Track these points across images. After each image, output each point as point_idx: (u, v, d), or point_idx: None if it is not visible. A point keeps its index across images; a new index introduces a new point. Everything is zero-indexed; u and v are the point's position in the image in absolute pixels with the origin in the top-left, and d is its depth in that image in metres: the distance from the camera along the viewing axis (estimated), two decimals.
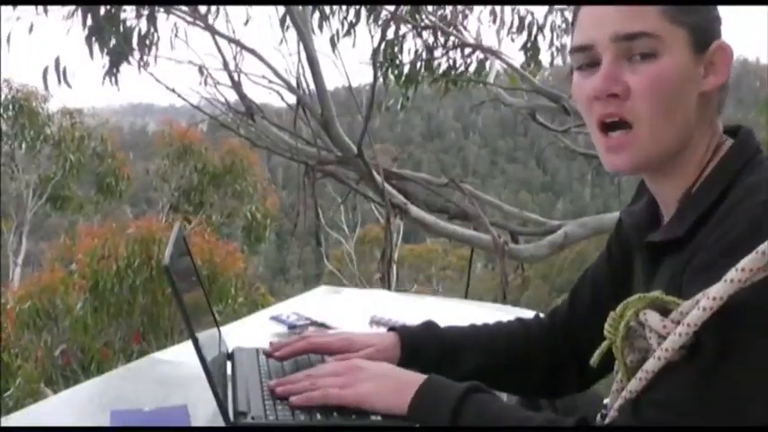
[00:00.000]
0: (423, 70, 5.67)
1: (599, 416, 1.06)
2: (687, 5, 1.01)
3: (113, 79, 5.31)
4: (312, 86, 5.06)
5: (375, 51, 5.12)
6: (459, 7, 5.78)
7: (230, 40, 5.24)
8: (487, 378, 1.15)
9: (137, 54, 5.26)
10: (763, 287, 0.85)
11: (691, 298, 0.90)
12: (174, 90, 5.37)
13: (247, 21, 5.59)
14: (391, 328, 1.32)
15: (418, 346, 1.28)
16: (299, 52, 5.01)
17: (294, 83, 5.07)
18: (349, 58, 5.28)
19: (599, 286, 1.25)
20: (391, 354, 1.26)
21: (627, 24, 0.99)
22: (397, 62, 5.63)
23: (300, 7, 5.14)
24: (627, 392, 0.95)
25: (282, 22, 5.17)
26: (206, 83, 5.37)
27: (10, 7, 5.30)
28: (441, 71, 5.73)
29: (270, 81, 5.10)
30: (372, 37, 5.39)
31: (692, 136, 1.03)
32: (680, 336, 0.88)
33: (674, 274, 0.97)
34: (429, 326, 1.32)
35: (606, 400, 1.05)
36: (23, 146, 13.85)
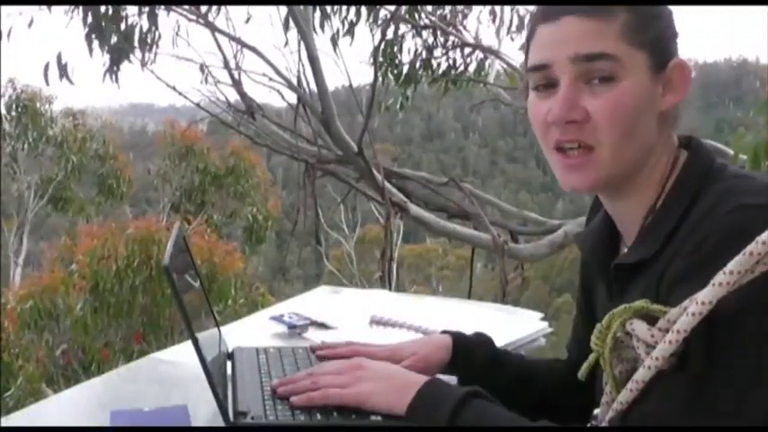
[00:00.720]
0: (422, 70, 5.68)
1: (588, 426, 1.06)
2: (645, 25, 0.99)
3: (114, 77, 5.32)
4: (313, 85, 5.07)
5: (375, 51, 5.13)
6: (459, 7, 5.78)
7: (231, 38, 5.25)
8: (521, 394, 1.17)
9: (138, 52, 5.27)
10: (748, 291, 0.85)
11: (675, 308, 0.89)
12: (174, 88, 5.38)
13: (248, 19, 5.60)
14: (444, 331, 1.32)
15: (470, 352, 1.28)
16: (299, 51, 5.02)
17: (295, 81, 5.08)
18: (349, 58, 5.29)
19: (577, 318, 1.27)
20: (436, 358, 1.25)
21: (586, 45, 0.97)
22: (397, 62, 5.64)
23: (302, 6, 5.15)
24: (618, 404, 0.94)
25: (286, 23, 5.17)
26: (206, 81, 5.38)
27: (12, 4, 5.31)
28: (440, 71, 5.74)
29: (270, 79, 5.12)
30: (372, 36, 5.40)
31: (651, 154, 1.02)
32: (669, 343, 0.87)
33: (645, 291, 0.96)
34: (480, 334, 1.33)
35: (596, 411, 1.04)
36: (26, 146, 13.85)
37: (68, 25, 5.26)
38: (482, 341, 1.31)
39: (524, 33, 5.76)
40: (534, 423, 1.01)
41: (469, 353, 1.27)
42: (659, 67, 1.00)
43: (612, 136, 0.99)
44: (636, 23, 0.99)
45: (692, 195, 0.98)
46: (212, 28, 5.21)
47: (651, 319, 0.91)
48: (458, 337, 1.29)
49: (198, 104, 5.68)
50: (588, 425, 1.06)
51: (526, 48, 1.06)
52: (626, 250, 1.07)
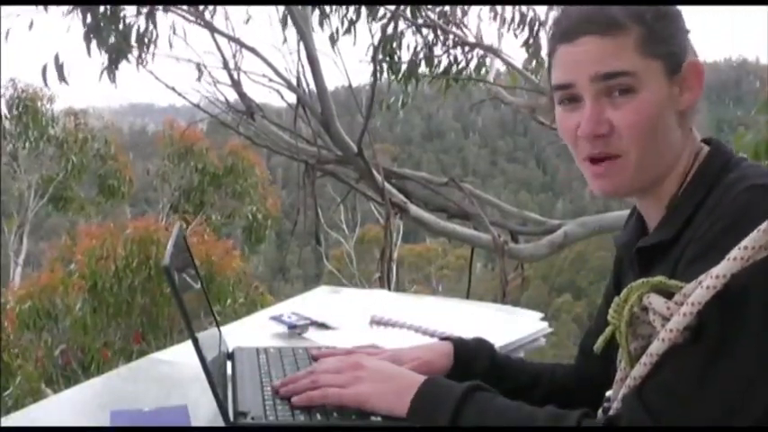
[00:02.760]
0: (422, 66, 5.67)
1: (601, 410, 1.06)
2: (659, 37, 1.04)
3: (112, 77, 5.32)
4: (312, 85, 5.07)
5: (375, 50, 5.12)
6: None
7: (230, 39, 5.24)
8: (523, 400, 1.16)
9: (135, 52, 5.26)
10: (760, 268, 0.87)
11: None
12: (173, 88, 5.37)
13: (248, 19, 5.60)
14: (446, 338, 1.34)
15: (472, 359, 1.28)
16: (299, 51, 5.02)
17: (294, 82, 5.07)
18: (349, 58, 5.29)
19: (602, 311, 1.25)
20: (439, 365, 1.26)
21: (604, 64, 1.03)
22: (396, 58, 5.63)
23: (300, 6, 5.14)
24: (631, 379, 0.96)
25: (284, 21, 5.17)
26: (200, 78, 5.37)
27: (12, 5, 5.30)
28: (441, 68, 5.73)
29: (270, 80, 5.11)
30: (372, 35, 5.40)
31: (674, 151, 1.07)
32: (684, 316, 0.89)
33: (664, 273, 0.98)
34: (481, 340, 1.34)
35: (608, 393, 1.04)
36: (26, 146, 13.83)
37: (66, 26, 5.26)
38: (483, 347, 1.31)
39: (526, 30, 5.76)
40: (538, 421, 1.00)
41: (471, 360, 1.28)
42: (674, 70, 1.05)
43: (637, 143, 1.04)
44: (649, 36, 1.03)
45: (711, 183, 1.03)
46: (211, 28, 5.21)
47: (668, 296, 0.93)
48: (459, 344, 1.30)
49: (197, 105, 5.68)
50: (601, 408, 1.06)
51: (548, 64, 1.12)
52: None
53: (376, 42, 5.24)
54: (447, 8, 5.74)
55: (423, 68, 5.72)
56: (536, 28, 5.70)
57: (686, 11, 1.09)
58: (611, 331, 0.98)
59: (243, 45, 5.23)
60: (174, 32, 5.40)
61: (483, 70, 5.90)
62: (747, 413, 0.89)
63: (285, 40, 5.15)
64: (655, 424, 0.91)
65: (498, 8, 5.75)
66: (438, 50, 5.69)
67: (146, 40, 5.25)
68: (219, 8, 5.35)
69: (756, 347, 0.88)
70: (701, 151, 1.09)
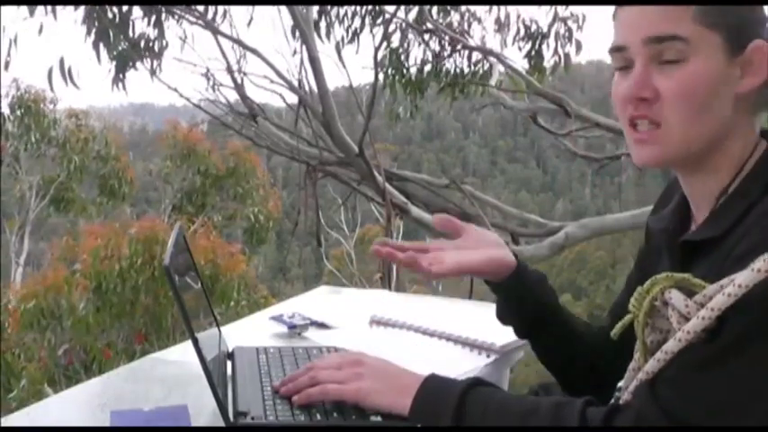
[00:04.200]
0: (429, 75, 5.70)
1: (612, 400, 1.05)
2: (721, 7, 1.01)
3: (121, 85, 5.34)
4: (314, 86, 5.07)
5: (376, 50, 5.13)
6: (463, 8, 5.79)
7: (232, 40, 5.25)
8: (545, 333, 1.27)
9: (146, 60, 5.28)
10: None
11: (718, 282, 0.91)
12: (176, 90, 5.39)
13: (250, 21, 5.61)
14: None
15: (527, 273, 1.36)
16: (300, 52, 5.03)
17: (296, 83, 5.08)
18: (351, 59, 5.31)
19: (622, 299, 1.23)
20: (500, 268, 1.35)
21: (658, 27, 1.01)
22: (404, 71, 5.66)
23: (303, 8, 5.15)
24: (644, 374, 0.96)
25: (293, 30, 5.18)
26: (214, 90, 5.41)
27: (22, 8, 5.30)
28: (447, 78, 5.75)
29: (271, 81, 5.12)
30: (374, 36, 5.41)
31: (726, 135, 1.04)
32: (702, 319, 0.89)
33: (709, 270, 0.97)
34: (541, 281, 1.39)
35: (620, 384, 1.04)
36: (28, 147, 13.81)
37: (68, 26, 5.27)
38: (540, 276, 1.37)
39: (529, 42, 5.80)
40: (540, 412, 1.00)
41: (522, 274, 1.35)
42: (737, 48, 1.02)
43: (680, 114, 1.02)
44: (711, 6, 1.01)
45: (767, 184, 1.00)
46: (214, 30, 5.21)
47: (691, 293, 0.93)
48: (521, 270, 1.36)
49: (199, 106, 5.69)
50: (612, 399, 1.06)
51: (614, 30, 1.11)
52: (694, 228, 1.09)
53: (377, 43, 5.25)
54: (450, 16, 5.75)
55: (427, 68, 5.73)
56: (537, 39, 5.73)
57: None
58: (629, 319, 0.98)
59: (244, 46, 5.24)
60: (181, 38, 5.42)
61: (483, 73, 5.91)
62: (756, 412, 0.88)
63: (287, 41, 5.17)
64: (663, 417, 0.91)
65: (502, 17, 5.78)
66: (443, 54, 5.71)
67: (156, 49, 5.26)
68: (222, 11, 5.37)
69: (765, 361, 0.88)
70: (760, 144, 1.06)
